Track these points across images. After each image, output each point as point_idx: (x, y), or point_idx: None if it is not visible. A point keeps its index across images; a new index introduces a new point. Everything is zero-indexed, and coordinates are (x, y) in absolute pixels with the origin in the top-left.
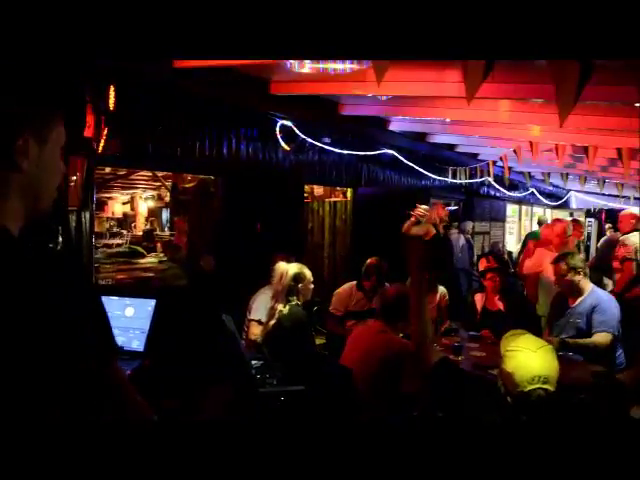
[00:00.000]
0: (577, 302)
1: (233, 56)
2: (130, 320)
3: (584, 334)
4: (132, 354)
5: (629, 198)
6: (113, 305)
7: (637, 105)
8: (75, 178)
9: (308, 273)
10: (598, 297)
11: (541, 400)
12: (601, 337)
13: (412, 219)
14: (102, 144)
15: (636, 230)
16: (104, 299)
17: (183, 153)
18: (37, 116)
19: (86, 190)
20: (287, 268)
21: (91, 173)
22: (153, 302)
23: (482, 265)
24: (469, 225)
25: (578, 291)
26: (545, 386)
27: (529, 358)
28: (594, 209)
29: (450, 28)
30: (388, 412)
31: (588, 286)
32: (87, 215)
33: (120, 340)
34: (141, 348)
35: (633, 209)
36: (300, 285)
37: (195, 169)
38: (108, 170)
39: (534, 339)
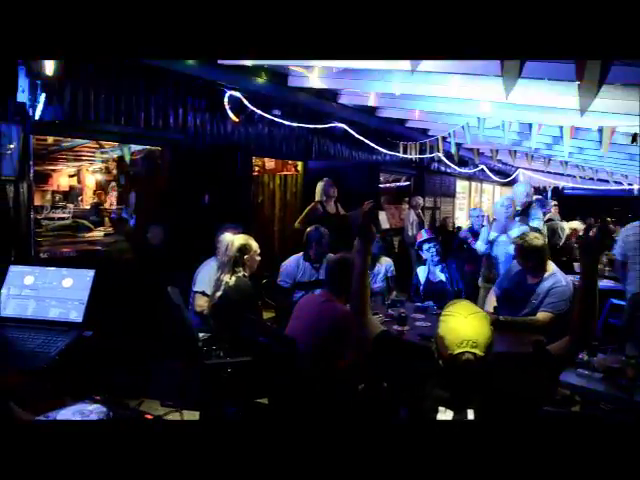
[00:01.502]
0: (539, 283)
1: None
2: (68, 291)
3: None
4: (70, 325)
5: (575, 177)
6: (50, 276)
7: (577, 83)
8: (11, 147)
9: (254, 244)
10: (558, 281)
11: (469, 363)
12: (542, 315)
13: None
14: (39, 111)
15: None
16: (40, 270)
17: (128, 123)
18: None
19: (23, 160)
20: (233, 239)
21: (27, 141)
22: (92, 273)
23: (419, 237)
24: (419, 200)
25: (541, 270)
26: (474, 350)
27: (459, 322)
28: (543, 187)
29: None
30: (331, 381)
31: (550, 267)
32: (25, 186)
33: (58, 311)
34: (80, 319)
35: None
36: (246, 256)
37: (141, 140)
38: (51, 140)
39: (469, 306)
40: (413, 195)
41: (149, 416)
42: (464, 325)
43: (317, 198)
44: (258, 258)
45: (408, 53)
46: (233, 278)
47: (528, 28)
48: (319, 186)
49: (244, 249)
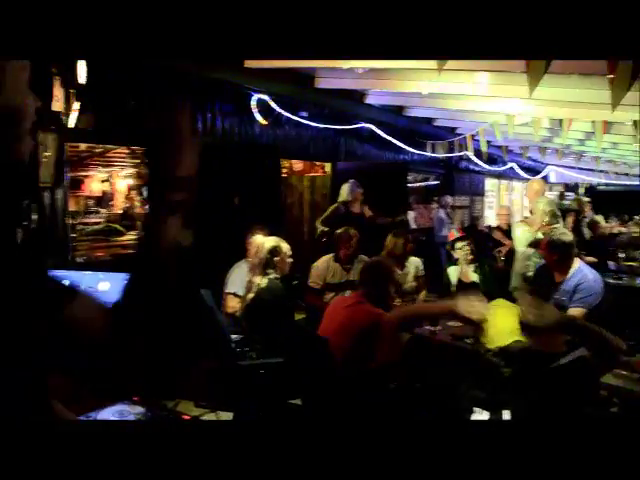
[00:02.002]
0: (565, 280)
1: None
2: (104, 294)
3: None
4: None
5: (607, 172)
6: (86, 280)
7: (608, 77)
8: (47, 154)
9: (285, 246)
10: (584, 276)
11: (522, 351)
12: (575, 311)
13: None
14: (73, 119)
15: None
16: (77, 274)
17: (157, 127)
18: None
19: (58, 167)
20: (263, 241)
21: (62, 149)
22: (127, 276)
23: (451, 236)
24: (448, 199)
25: (567, 268)
26: (522, 339)
27: (504, 314)
28: (575, 184)
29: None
30: (366, 382)
31: (576, 263)
32: (60, 192)
33: None
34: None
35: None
36: (276, 258)
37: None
38: (84, 147)
39: (505, 301)
40: (442, 194)
41: (186, 417)
42: (508, 316)
43: (341, 198)
44: (289, 260)
45: (435, 52)
46: (265, 280)
47: (555, 27)
48: (345, 187)
49: (275, 251)
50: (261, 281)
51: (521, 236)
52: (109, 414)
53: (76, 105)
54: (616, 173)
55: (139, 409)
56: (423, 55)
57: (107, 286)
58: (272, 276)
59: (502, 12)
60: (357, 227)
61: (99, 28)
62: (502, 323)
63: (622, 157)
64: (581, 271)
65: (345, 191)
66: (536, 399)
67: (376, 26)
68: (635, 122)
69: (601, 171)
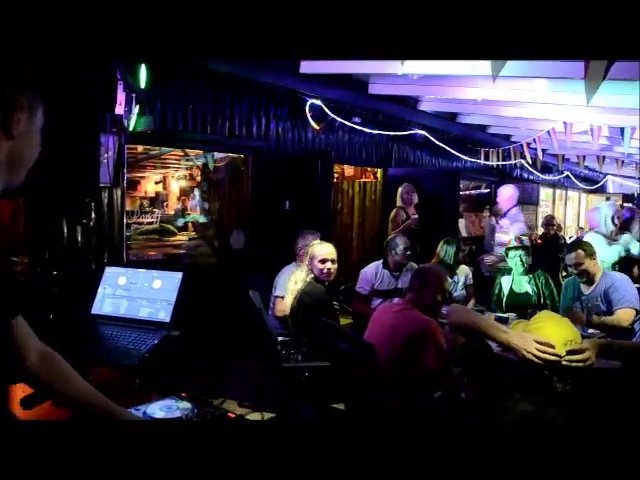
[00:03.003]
0: (591, 288)
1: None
2: (157, 292)
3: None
4: (158, 324)
5: None
6: (141, 277)
7: None
8: (107, 155)
9: (318, 251)
10: (612, 277)
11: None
12: (624, 313)
13: None
14: (132, 122)
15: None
16: (132, 271)
17: (213, 132)
18: (36, 94)
19: (117, 168)
20: (314, 246)
21: (122, 151)
22: (180, 275)
23: (508, 243)
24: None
25: (592, 277)
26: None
27: (557, 325)
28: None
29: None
30: (411, 390)
31: (599, 271)
32: (119, 192)
33: (147, 311)
34: (167, 319)
35: None
36: (307, 261)
37: (225, 148)
38: (140, 149)
39: (554, 313)
40: (494, 202)
41: (232, 414)
42: (563, 326)
43: (398, 203)
44: (319, 265)
45: (487, 53)
46: (302, 283)
47: (616, 25)
48: (399, 191)
49: (310, 254)
50: (300, 284)
51: (609, 251)
52: (157, 408)
53: (136, 109)
54: None
55: (186, 405)
56: (475, 56)
57: (160, 284)
58: (309, 279)
59: (560, 10)
60: (410, 234)
61: (160, 30)
62: (557, 335)
63: None
64: (605, 275)
65: (399, 196)
66: (584, 413)
67: (430, 26)
68: None
69: None
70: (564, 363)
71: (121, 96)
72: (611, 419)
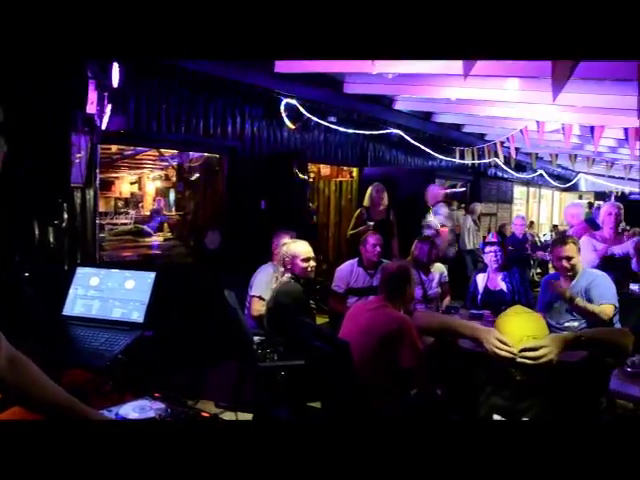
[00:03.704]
0: (572, 284)
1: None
2: (130, 292)
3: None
4: (131, 325)
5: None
6: (113, 277)
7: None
8: (79, 155)
9: (299, 249)
10: (593, 274)
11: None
12: (606, 308)
13: None
14: (105, 121)
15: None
16: (105, 272)
17: (188, 132)
18: None
19: (90, 168)
20: (291, 245)
21: (95, 150)
22: (153, 275)
23: (487, 238)
24: (477, 207)
25: (576, 273)
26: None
27: (516, 321)
28: (609, 192)
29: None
30: (388, 388)
31: (581, 266)
32: (91, 192)
33: (120, 311)
34: (141, 319)
35: None
36: (287, 259)
37: (200, 148)
38: (114, 149)
39: (523, 307)
40: (470, 201)
41: (206, 414)
42: (522, 322)
43: (365, 203)
44: (303, 264)
45: (458, 53)
46: (281, 281)
47: (582, 26)
48: (368, 191)
49: (286, 253)
50: (278, 283)
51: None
52: (129, 409)
53: (108, 108)
54: None
55: (160, 405)
56: (444, 56)
57: (132, 284)
58: (286, 278)
59: (524, 10)
60: (383, 232)
61: (129, 29)
62: (515, 330)
63: None
64: (585, 271)
65: (366, 196)
66: (554, 403)
67: (401, 26)
68: None
69: (631, 179)
70: (518, 360)
71: (93, 95)
72: (579, 408)
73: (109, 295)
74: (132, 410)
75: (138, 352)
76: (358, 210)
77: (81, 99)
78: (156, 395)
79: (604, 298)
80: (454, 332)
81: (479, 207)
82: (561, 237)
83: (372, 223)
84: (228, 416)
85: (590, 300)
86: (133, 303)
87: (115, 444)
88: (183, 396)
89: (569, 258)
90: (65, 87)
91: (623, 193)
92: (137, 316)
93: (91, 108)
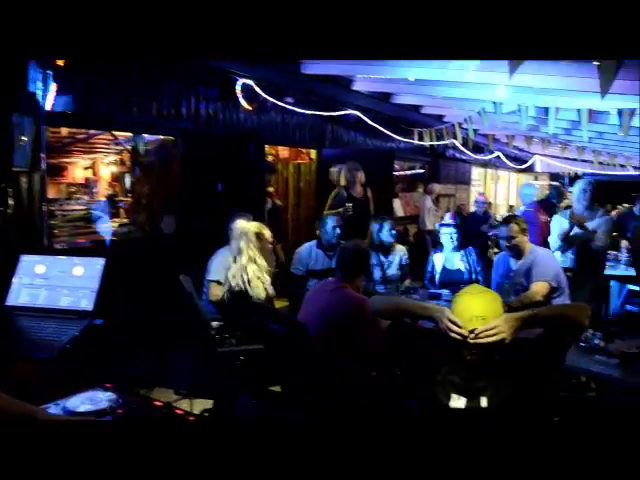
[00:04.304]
0: (519, 264)
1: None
2: (79, 279)
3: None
4: (81, 313)
5: (592, 162)
6: (61, 265)
7: (595, 64)
8: (23, 138)
9: (267, 232)
10: (535, 252)
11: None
12: (537, 286)
13: None
14: (50, 101)
15: None
16: (51, 259)
17: (140, 113)
18: None
19: (35, 151)
20: (246, 227)
21: (40, 133)
22: (102, 261)
23: (442, 219)
24: (435, 187)
25: (522, 253)
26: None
27: (468, 300)
28: (563, 173)
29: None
30: (348, 368)
31: (528, 246)
32: (37, 177)
33: (68, 300)
34: (90, 307)
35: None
36: (259, 244)
37: (153, 130)
38: (65, 132)
39: (480, 286)
40: (428, 182)
41: (159, 403)
42: (473, 301)
43: (341, 183)
44: (270, 246)
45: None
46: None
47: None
48: (343, 170)
49: (257, 236)
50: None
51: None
52: (78, 401)
53: (53, 87)
54: (600, 163)
55: (111, 396)
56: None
57: (81, 271)
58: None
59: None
60: (361, 211)
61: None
62: (465, 310)
63: (606, 147)
64: (533, 250)
65: (342, 174)
66: (510, 382)
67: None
68: (620, 111)
69: (584, 161)
70: (469, 341)
71: (35, 73)
72: (533, 386)
73: (56, 283)
74: (81, 402)
75: (89, 341)
76: (335, 190)
77: (21, 77)
78: (107, 385)
79: (539, 276)
80: (411, 313)
81: (437, 187)
82: (505, 217)
83: (350, 205)
84: (184, 404)
85: (530, 279)
86: (82, 291)
87: (61, 443)
88: (138, 385)
89: (511, 238)
90: (3, 64)
91: (576, 174)
92: (86, 304)
93: (33, 87)
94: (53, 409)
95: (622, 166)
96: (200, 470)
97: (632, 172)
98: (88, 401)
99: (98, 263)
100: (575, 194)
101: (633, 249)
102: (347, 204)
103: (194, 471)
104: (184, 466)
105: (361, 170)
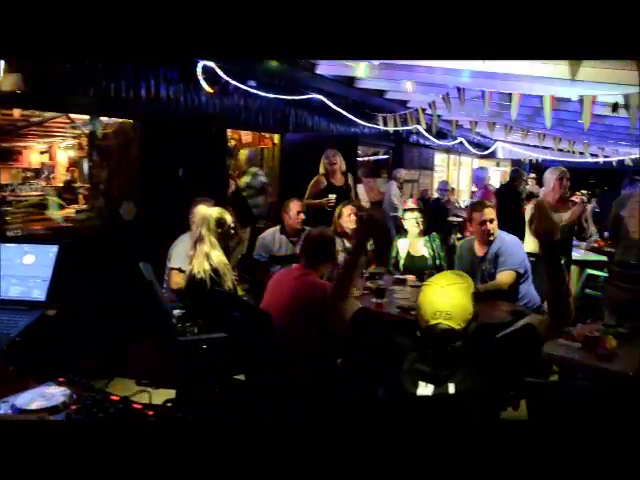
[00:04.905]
0: (485, 250)
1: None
2: (30, 268)
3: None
4: (32, 304)
5: (553, 149)
6: (9, 253)
7: None
8: None
9: (229, 217)
10: (502, 239)
11: (444, 333)
12: (503, 275)
13: None
14: None
15: None
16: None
17: (97, 94)
18: None
19: None
20: (207, 212)
21: None
22: (55, 248)
23: (405, 205)
24: (401, 172)
25: (490, 239)
26: (447, 322)
27: (435, 293)
28: (526, 160)
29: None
30: (313, 354)
31: (496, 232)
32: None
33: (18, 290)
34: (42, 297)
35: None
36: (220, 230)
37: (111, 112)
38: (18, 115)
39: (450, 276)
40: (393, 168)
41: (115, 397)
42: (440, 296)
43: (320, 171)
44: (232, 232)
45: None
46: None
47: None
48: (322, 158)
49: (219, 222)
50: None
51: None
52: (28, 398)
53: (1, 64)
54: (560, 150)
55: (64, 391)
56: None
57: (32, 259)
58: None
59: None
60: (342, 199)
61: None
62: (430, 305)
63: (567, 134)
64: (499, 237)
65: (322, 162)
66: (481, 370)
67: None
68: (582, 98)
69: (545, 147)
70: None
71: None
72: (498, 374)
73: (5, 272)
74: (31, 399)
75: (41, 333)
76: (315, 177)
77: None
78: (60, 380)
79: (506, 264)
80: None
81: (403, 172)
82: (479, 202)
83: (334, 196)
84: (142, 396)
85: (496, 267)
86: (33, 280)
87: (11, 448)
88: (97, 377)
89: (491, 220)
90: None
91: (537, 161)
92: (38, 294)
93: None
94: (2, 407)
95: (581, 153)
96: (157, 469)
97: (590, 159)
98: (39, 397)
99: (51, 251)
100: (549, 182)
101: (612, 218)
102: (330, 195)
103: (150, 471)
104: (140, 465)
105: (340, 156)
